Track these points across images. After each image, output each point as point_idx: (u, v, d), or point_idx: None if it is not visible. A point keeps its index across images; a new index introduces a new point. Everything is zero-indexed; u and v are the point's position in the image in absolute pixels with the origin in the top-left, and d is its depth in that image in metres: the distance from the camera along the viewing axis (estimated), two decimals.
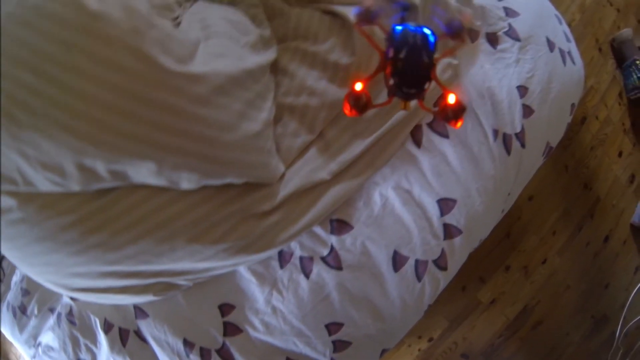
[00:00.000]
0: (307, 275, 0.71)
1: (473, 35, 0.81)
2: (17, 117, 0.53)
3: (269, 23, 0.75)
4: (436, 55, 0.51)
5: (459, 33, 0.52)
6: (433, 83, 0.52)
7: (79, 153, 0.55)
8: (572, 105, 0.92)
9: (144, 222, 0.62)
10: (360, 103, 0.53)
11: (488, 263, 1.29)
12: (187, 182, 0.61)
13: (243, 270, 0.73)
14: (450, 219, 0.74)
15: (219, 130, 0.59)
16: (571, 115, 0.93)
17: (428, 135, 0.75)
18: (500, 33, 0.82)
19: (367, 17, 0.52)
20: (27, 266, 0.70)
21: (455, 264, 0.77)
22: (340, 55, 0.71)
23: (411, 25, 0.51)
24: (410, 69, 0.50)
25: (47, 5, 0.52)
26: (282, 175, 0.68)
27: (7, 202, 0.61)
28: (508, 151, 0.78)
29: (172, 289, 0.71)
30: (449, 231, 0.74)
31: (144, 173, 0.59)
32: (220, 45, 0.63)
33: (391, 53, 0.50)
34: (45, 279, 0.71)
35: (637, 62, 1.38)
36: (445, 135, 0.75)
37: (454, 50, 0.71)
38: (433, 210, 0.73)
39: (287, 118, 0.70)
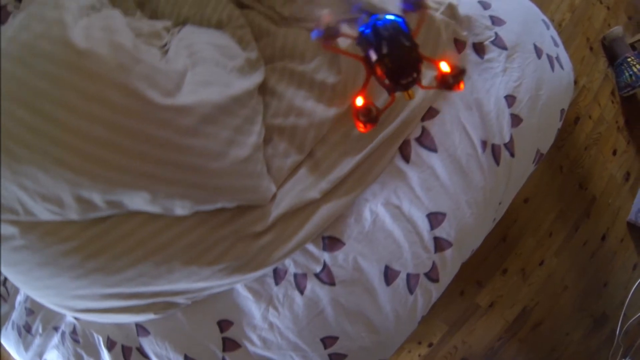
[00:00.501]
0: (301, 292, 0.73)
1: (460, 46, 0.82)
2: (15, 152, 0.55)
3: (256, 44, 0.76)
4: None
5: (419, 3, 0.52)
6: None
7: (75, 186, 0.57)
8: (562, 110, 0.92)
9: (141, 247, 0.64)
10: (371, 115, 0.53)
11: (485, 267, 1.30)
12: (180, 208, 0.63)
13: (240, 288, 0.74)
14: (440, 232, 0.75)
15: (208, 159, 0.60)
16: (561, 121, 0.93)
17: (416, 150, 0.76)
18: (486, 42, 0.82)
19: (330, 33, 0.51)
20: (30, 289, 0.72)
21: (447, 276, 0.78)
22: (326, 74, 0.72)
23: (377, 20, 0.51)
24: (399, 60, 0.49)
25: (37, 43, 0.54)
26: (274, 196, 0.70)
27: (10, 230, 0.63)
28: (497, 162, 0.79)
29: (172, 307, 0.73)
30: (440, 244, 0.75)
31: (138, 202, 0.60)
32: (207, 73, 0.64)
33: (374, 55, 0.50)
34: (48, 301, 0.73)
35: (629, 59, 1.38)
36: (433, 149, 0.76)
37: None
38: (423, 224, 0.74)
39: (276, 139, 0.71)
